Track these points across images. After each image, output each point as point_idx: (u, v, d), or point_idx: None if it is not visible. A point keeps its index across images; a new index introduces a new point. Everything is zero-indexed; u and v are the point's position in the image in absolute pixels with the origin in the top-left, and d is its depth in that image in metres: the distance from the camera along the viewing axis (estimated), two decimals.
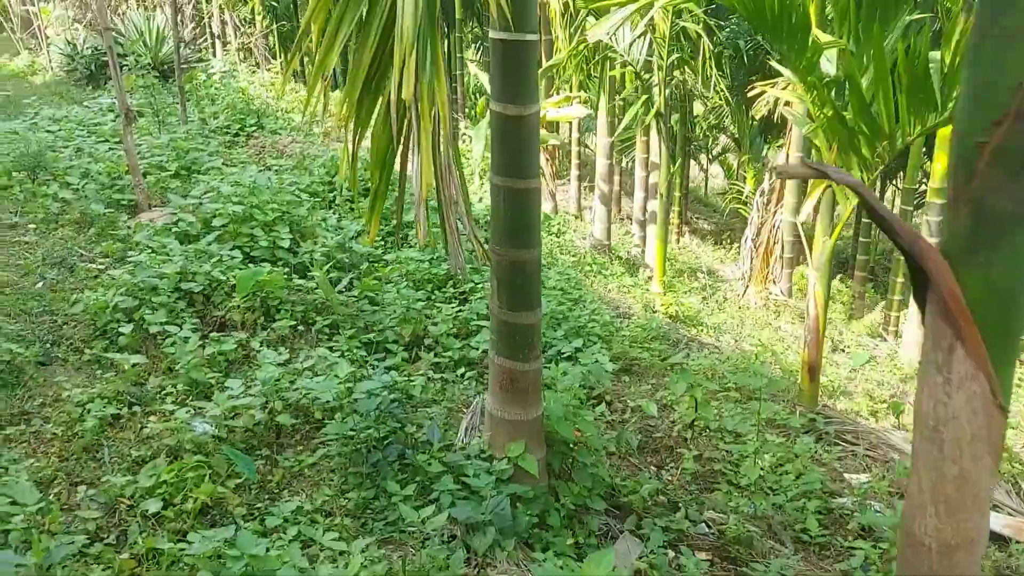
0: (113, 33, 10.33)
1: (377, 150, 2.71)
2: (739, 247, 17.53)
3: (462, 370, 4.23)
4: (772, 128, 15.69)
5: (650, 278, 8.76)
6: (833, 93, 4.69)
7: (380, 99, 2.62)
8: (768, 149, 15.53)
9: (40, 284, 4.43)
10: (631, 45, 7.24)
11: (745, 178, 15.43)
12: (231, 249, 4.69)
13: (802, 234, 5.09)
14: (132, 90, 8.96)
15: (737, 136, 15.34)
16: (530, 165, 3.05)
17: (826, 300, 5.01)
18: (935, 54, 4.15)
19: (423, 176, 2.26)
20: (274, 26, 11.18)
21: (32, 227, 5.19)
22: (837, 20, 4.58)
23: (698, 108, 15.93)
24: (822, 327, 5.05)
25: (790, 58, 4.57)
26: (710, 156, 19.03)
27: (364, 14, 2.52)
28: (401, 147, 2.71)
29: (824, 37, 4.67)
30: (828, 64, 4.71)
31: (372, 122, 2.72)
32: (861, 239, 14.35)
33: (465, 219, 2.68)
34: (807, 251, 5.01)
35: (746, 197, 14.25)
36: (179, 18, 8.48)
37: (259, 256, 4.78)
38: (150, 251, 4.55)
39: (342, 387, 3.38)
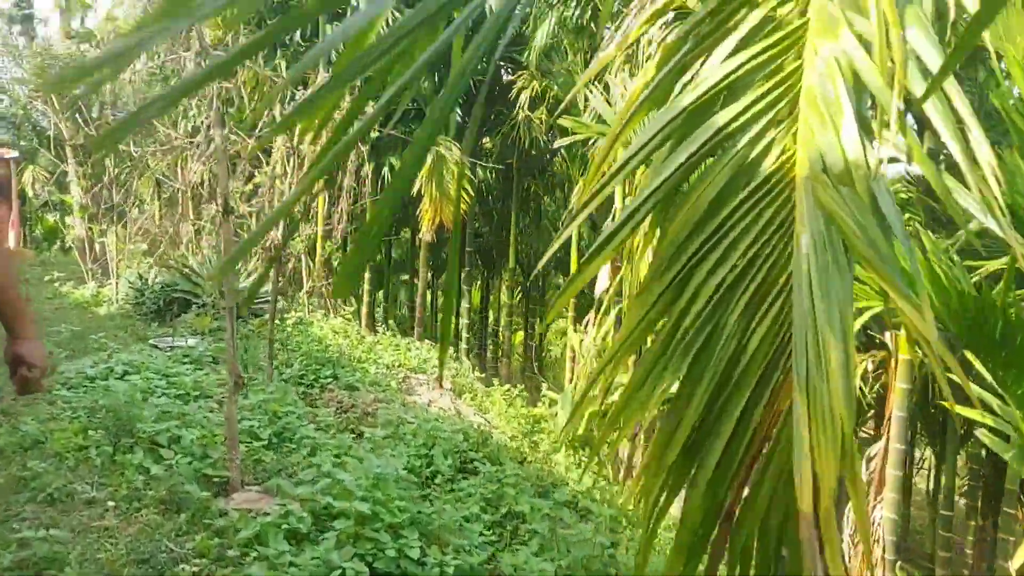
0: (186, 270, 10.26)
1: (688, 527, 2.09)
2: None
3: None
4: None
5: None
6: None
7: (697, 467, 2.04)
8: None
9: None
10: None
11: None
12: (352, 558, 3.95)
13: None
14: (204, 332, 8.62)
15: None
16: None
17: None
18: None
19: None
20: None
21: (112, 505, 4.49)
22: None
23: None
24: None
25: (1006, 382, 4.09)
26: None
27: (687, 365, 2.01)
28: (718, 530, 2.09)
29: None
30: None
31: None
32: (939, 530, 13.33)
33: None
34: None
35: None
36: (279, 269, 8.30)
37: (382, 568, 4.02)
38: (260, 558, 3.82)
39: None
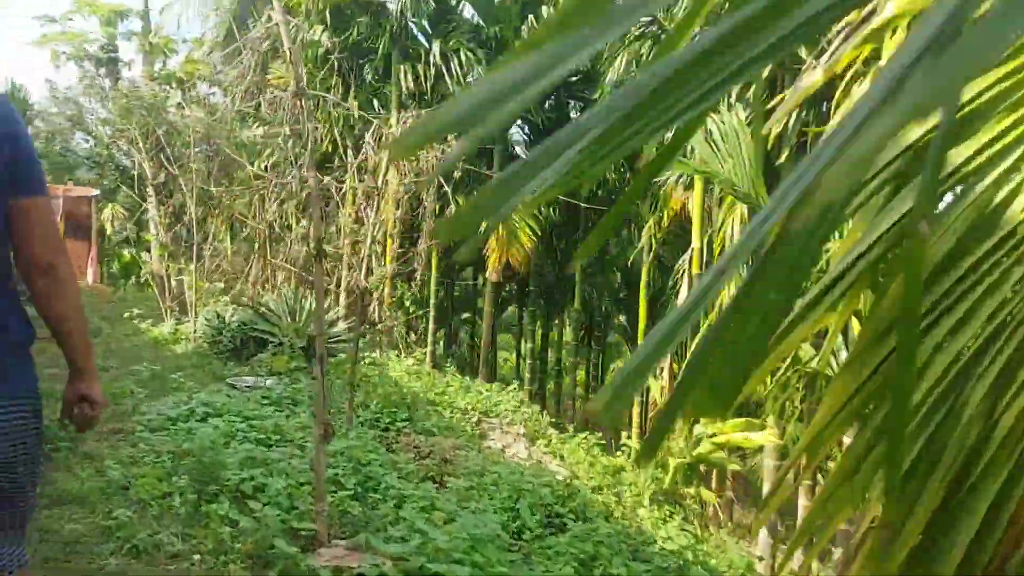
0: (263, 309, 10.21)
1: None
2: None
3: None
4: None
5: None
6: None
7: None
8: None
9: None
10: None
11: None
12: None
13: None
14: (282, 372, 8.51)
15: None
16: None
17: None
18: None
19: None
20: (419, 312, 11.14)
21: (197, 558, 4.29)
22: None
23: None
24: None
25: None
26: None
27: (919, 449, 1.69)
28: None
29: None
30: None
31: None
32: None
33: None
34: None
35: None
36: (361, 312, 8.16)
37: None
38: None
39: None
